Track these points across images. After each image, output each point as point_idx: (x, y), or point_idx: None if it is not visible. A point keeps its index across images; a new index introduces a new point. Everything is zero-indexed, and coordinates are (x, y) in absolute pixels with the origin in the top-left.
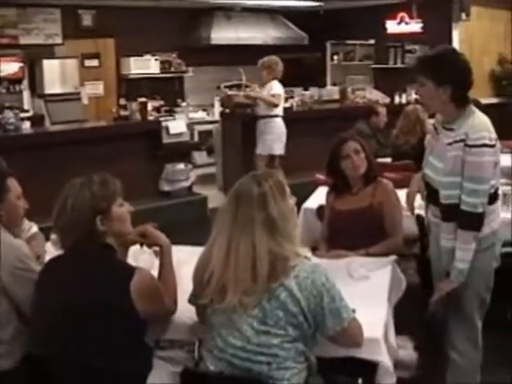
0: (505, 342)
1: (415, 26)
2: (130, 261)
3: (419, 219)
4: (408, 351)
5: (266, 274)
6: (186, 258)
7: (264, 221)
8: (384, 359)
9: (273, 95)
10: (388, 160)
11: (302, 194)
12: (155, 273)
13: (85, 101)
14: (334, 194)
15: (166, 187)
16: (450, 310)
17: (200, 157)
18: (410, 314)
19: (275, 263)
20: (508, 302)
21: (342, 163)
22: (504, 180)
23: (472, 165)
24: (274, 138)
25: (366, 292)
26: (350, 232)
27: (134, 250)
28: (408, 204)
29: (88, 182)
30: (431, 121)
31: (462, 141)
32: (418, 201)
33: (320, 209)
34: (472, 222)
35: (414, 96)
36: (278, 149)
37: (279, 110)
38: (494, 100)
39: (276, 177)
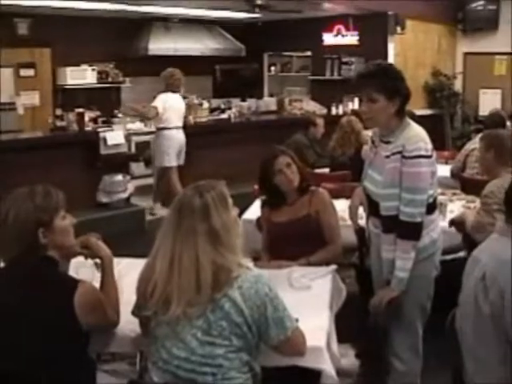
0: (444, 348)
1: (351, 39)
2: (72, 273)
3: (359, 229)
4: (350, 359)
5: (210, 284)
6: (125, 270)
7: (207, 232)
8: (327, 367)
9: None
10: (326, 170)
11: (242, 204)
12: (97, 285)
13: (20, 111)
14: (268, 207)
15: (103, 199)
16: (392, 318)
17: (138, 168)
18: (350, 322)
19: (219, 274)
20: (447, 310)
21: (275, 178)
22: (439, 190)
23: (409, 175)
24: (163, 150)
25: (308, 301)
26: (289, 242)
27: (76, 262)
28: (351, 217)
29: (31, 193)
30: (368, 132)
31: (399, 153)
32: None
33: (259, 220)
34: (411, 231)
35: (350, 107)
36: (167, 161)
37: (169, 123)
38: (428, 112)
39: (219, 188)
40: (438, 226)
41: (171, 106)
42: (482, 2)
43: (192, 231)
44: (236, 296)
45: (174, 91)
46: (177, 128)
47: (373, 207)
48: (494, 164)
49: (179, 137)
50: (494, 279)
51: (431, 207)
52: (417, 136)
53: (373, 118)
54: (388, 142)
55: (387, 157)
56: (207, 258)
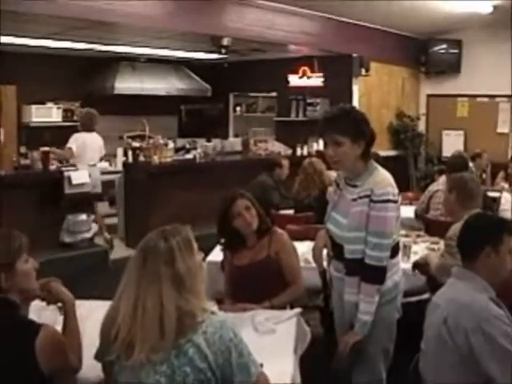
0: None
1: (317, 80)
2: (34, 316)
3: (323, 271)
4: None
5: (174, 330)
6: (88, 312)
7: (172, 277)
8: None
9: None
10: (291, 212)
11: (207, 245)
12: (59, 328)
13: None
14: (229, 250)
15: (67, 238)
16: (355, 362)
17: (102, 207)
18: (315, 364)
19: (183, 319)
20: (412, 352)
21: (234, 221)
22: (403, 231)
23: (377, 220)
24: None
25: (273, 345)
26: (252, 285)
27: (37, 305)
28: (315, 259)
29: None
30: (331, 172)
31: (367, 196)
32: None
33: (223, 262)
34: (376, 275)
35: (315, 148)
36: None
37: (85, 160)
38: (392, 153)
39: (184, 233)
40: (400, 269)
41: (86, 144)
42: (444, 46)
43: (157, 276)
44: (200, 341)
45: (88, 130)
46: (93, 165)
47: (336, 250)
48: (457, 206)
49: (95, 174)
50: (457, 324)
51: (394, 251)
52: (385, 180)
53: (339, 162)
54: (354, 186)
55: (354, 200)
56: (172, 303)
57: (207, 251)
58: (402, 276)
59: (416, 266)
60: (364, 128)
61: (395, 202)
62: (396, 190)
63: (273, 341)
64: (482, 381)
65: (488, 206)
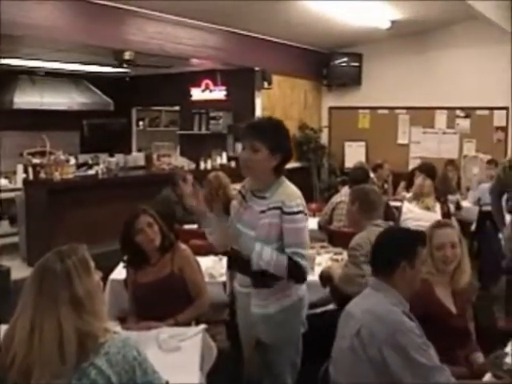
0: None
1: (219, 94)
2: None
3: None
4: None
5: (75, 353)
6: None
7: (69, 299)
8: None
9: None
10: (194, 226)
11: (110, 263)
12: None
13: None
14: (132, 267)
15: None
16: (263, 375)
17: (2, 226)
18: (222, 379)
19: (84, 342)
20: (319, 362)
21: (136, 238)
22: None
23: (293, 231)
24: None
25: (178, 362)
26: (156, 302)
27: None
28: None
29: None
30: (236, 186)
31: (277, 208)
32: None
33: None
34: (300, 275)
35: (219, 161)
36: None
37: None
38: (295, 164)
39: (80, 252)
40: (304, 284)
41: None
42: (345, 59)
43: (54, 298)
44: (102, 363)
45: None
46: None
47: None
48: (359, 217)
49: None
50: (371, 335)
51: None
52: (295, 193)
53: (251, 168)
54: (263, 198)
55: (262, 212)
56: (71, 326)
57: (111, 268)
58: (307, 290)
59: (322, 277)
60: (284, 143)
61: (306, 214)
62: (304, 203)
63: (178, 358)
64: None
65: (390, 216)
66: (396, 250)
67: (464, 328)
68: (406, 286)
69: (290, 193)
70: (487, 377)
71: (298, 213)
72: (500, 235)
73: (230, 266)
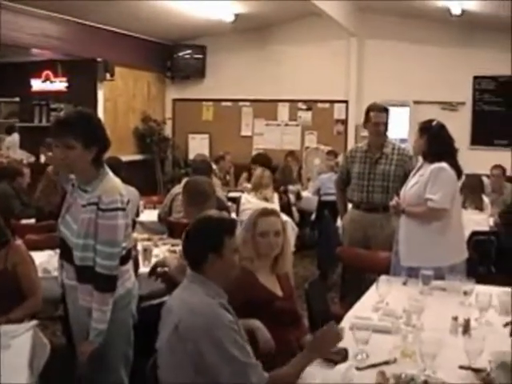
0: None
1: (60, 85)
2: None
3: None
4: None
5: None
6: None
7: None
8: None
9: None
10: (32, 221)
11: None
12: None
13: None
14: None
15: None
16: (97, 370)
17: None
18: (59, 374)
19: None
20: (151, 355)
21: None
22: (146, 235)
23: (105, 228)
24: None
25: (7, 360)
26: None
27: None
28: None
29: None
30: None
31: (94, 204)
32: None
33: None
34: (108, 284)
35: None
36: None
37: None
38: (138, 157)
39: None
40: (132, 276)
41: None
42: (189, 51)
43: None
44: None
45: None
46: None
47: (67, 254)
48: (190, 208)
49: None
50: (188, 330)
51: (125, 258)
52: (114, 188)
53: (69, 165)
54: (85, 191)
55: (83, 206)
56: None
57: None
58: (136, 282)
59: (154, 268)
60: (98, 134)
61: (124, 209)
62: (125, 198)
63: (7, 357)
64: None
65: (221, 207)
66: (201, 243)
67: (292, 310)
68: (219, 277)
69: (108, 188)
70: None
71: (112, 210)
72: (338, 224)
73: (60, 256)
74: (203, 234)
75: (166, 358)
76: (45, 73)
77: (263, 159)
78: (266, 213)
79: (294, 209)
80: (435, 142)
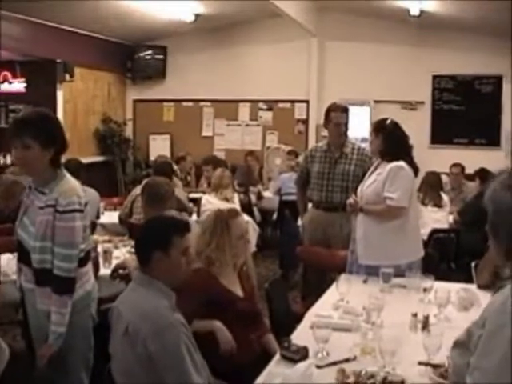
0: None
1: (19, 86)
2: None
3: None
4: None
5: None
6: None
7: None
8: None
9: None
10: None
11: None
12: None
13: None
14: None
15: None
16: (57, 374)
17: None
18: (19, 379)
19: None
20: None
21: None
22: (106, 237)
23: (63, 230)
24: None
25: None
26: None
27: None
28: None
29: None
30: None
31: (52, 206)
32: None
33: None
34: (67, 286)
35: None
36: None
37: None
38: (99, 158)
39: None
40: (92, 278)
41: None
42: (149, 52)
43: None
44: None
45: None
46: None
47: (25, 257)
48: (148, 209)
49: None
50: (138, 332)
51: (84, 260)
52: (71, 190)
53: (26, 166)
54: (43, 193)
55: (41, 208)
56: None
57: None
58: (95, 284)
59: (115, 270)
60: (56, 134)
61: (81, 211)
62: (83, 200)
63: None
64: None
65: (181, 208)
66: (149, 241)
67: (253, 310)
68: (167, 277)
69: (65, 190)
70: (277, 357)
71: (70, 211)
72: (299, 223)
73: (18, 259)
74: (151, 231)
75: (119, 361)
76: (3, 74)
77: (212, 161)
78: (235, 214)
79: (255, 209)
80: (391, 141)
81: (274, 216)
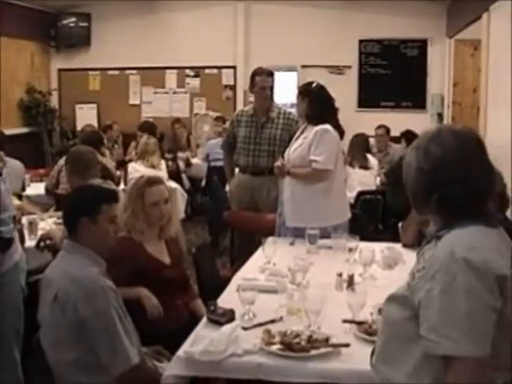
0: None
1: None
2: None
3: None
4: None
5: None
6: None
7: None
8: None
9: None
10: None
11: None
12: None
13: None
14: None
15: None
16: None
17: None
18: None
19: None
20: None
21: None
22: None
23: None
24: None
25: None
26: None
27: None
28: None
29: None
30: None
31: None
32: None
33: None
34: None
35: None
36: None
37: None
38: (24, 130)
39: None
40: (19, 248)
41: None
42: (73, 19)
43: None
44: None
45: None
46: None
47: None
48: (73, 178)
49: None
50: (68, 296)
51: None
52: None
53: None
54: None
55: None
56: None
57: None
58: (23, 254)
59: (40, 241)
60: None
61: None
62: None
63: None
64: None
65: (107, 176)
66: (77, 206)
67: (180, 277)
68: (95, 244)
69: None
70: (204, 321)
71: None
72: (227, 189)
73: None
74: (79, 199)
75: (48, 329)
76: None
77: (149, 127)
78: (152, 182)
79: (183, 176)
80: (317, 104)
81: (203, 182)
